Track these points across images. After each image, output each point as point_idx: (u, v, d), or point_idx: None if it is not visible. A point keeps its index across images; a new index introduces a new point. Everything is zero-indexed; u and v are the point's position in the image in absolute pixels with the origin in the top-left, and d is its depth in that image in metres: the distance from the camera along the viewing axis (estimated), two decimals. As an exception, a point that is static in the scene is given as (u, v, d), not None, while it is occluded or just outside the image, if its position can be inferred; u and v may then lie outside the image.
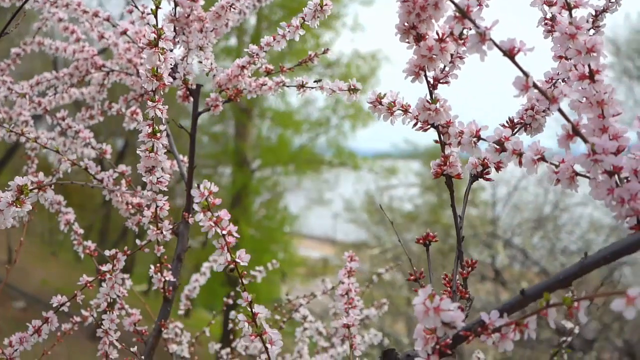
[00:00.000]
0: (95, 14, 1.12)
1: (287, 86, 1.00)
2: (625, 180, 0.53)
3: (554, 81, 0.70)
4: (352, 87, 0.85)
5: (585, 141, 0.52)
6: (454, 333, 0.56)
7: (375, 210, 9.75)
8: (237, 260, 0.65)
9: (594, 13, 0.75)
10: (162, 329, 1.01)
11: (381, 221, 8.89)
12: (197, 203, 0.62)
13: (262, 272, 1.44)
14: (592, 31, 0.74)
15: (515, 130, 0.70)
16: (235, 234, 0.64)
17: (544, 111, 0.69)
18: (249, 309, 0.66)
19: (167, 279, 0.99)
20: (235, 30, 8.91)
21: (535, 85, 0.52)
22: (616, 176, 0.54)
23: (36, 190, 0.67)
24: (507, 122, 0.70)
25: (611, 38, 8.69)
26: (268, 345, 0.66)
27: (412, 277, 0.67)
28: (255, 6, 1.15)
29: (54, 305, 0.93)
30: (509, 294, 6.16)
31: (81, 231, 1.12)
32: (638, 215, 0.52)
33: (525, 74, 0.52)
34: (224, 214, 0.64)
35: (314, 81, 0.93)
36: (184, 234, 1.03)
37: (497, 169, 0.68)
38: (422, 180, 10.27)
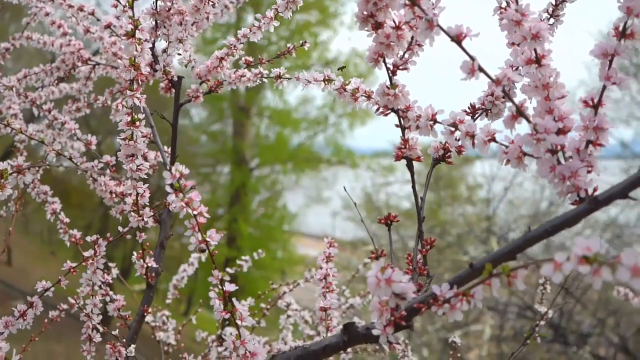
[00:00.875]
0: (80, 9, 1.15)
1: (266, 77, 1.03)
2: (569, 159, 0.56)
3: (514, 68, 0.73)
4: (326, 77, 0.88)
5: (529, 121, 0.55)
6: (408, 305, 0.59)
7: (373, 208, 9.77)
8: (208, 239, 0.68)
9: (554, 2, 0.78)
10: (145, 314, 1.04)
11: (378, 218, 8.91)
12: (169, 185, 0.65)
13: (247, 262, 1.47)
14: (552, 20, 0.77)
15: (477, 115, 0.73)
16: (206, 215, 0.67)
17: (503, 97, 0.72)
18: (220, 287, 0.69)
19: (149, 265, 1.02)
20: (233, 29, 8.94)
21: (480, 69, 0.55)
22: (561, 154, 0.57)
23: (15, 174, 0.70)
24: (468, 107, 0.73)
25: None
26: (238, 322, 0.69)
27: (373, 256, 0.70)
28: (239, 1, 1.18)
29: (39, 290, 0.96)
30: (505, 288, 6.19)
31: (67, 220, 1.15)
32: (578, 191, 0.55)
33: (472, 58, 0.55)
34: (195, 196, 0.67)
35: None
36: (166, 221, 1.06)
37: (459, 152, 0.71)
38: (420, 179, 10.29)
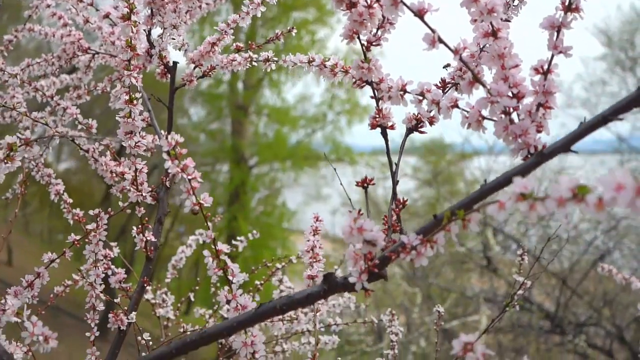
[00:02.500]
0: (80, 0, 1.21)
1: (255, 61, 1.10)
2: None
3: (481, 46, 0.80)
4: (310, 59, 0.94)
5: (484, 86, 0.62)
6: (380, 255, 0.65)
7: (371, 204, 9.82)
8: (202, 202, 0.74)
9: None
10: (145, 285, 1.10)
11: (377, 215, 8.98)
12: (165, 152, 0.72)
13: (243, 242, 1.54)
14: (516, 1, 0.84)
15: (447, 88, 0.80)
16: (200, 180, 0.74)
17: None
18: (213, 246, 0.76)
19: (148, 239, 1.09)
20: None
21: (440, 40, 0.61)
22: (516, 116, 0.64)
23: (24, 146, 0.77)
24: (439, 81, 0.80)
25: (603, 29, 8.76)
26: (230, 277, 0.76)
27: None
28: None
29: (45, 261, 1.03)
30: (502, 280, 6.27)
31: (70, 200, 1.21)
32: (528, 148, 0.61)
33: (433, 30, 0.61)
34: (190, 162, 0.74)
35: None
36: (163, 198, 1.13)
37: (430, 123, 0.78)
38: (419, 174, 10.38)
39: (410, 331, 6.46)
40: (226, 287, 0.76)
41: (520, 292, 1.17)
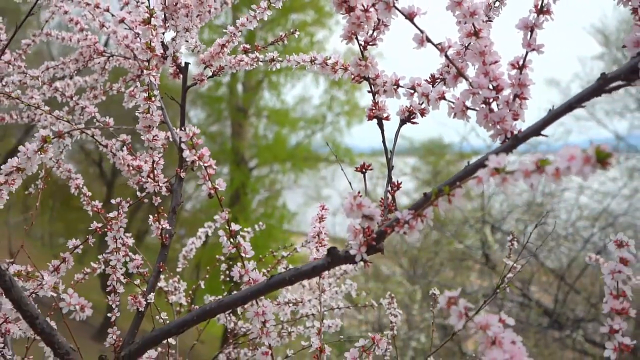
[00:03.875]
0: (97, 6, 1.30)
1: (261, 61, 1.19)
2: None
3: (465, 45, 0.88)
4: (313, 58, 1.03)
5: (467, 80, 0.71)
6: (377, 230, 0.74)
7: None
8: (217, 186, 0.83)
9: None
10: (161, 270, 1.19)
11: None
12: (183, 142, 0.81)
13: (249, 233, 1.63)
14: (497, 3, 0.93)
15: (436, 83, 0.88)
16: (215, 167, 0.83)
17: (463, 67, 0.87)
18: (227, 227, 0.84)
19: (164, 227, 1.17)
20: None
21: (428, 40, 0.70)
22: (495, 106, 0.73)
23: (57, 139, 0.86)
24: (429, 77, 0.89)
25: (600, 29, 8.85)
26: (243, 254, 0.84)
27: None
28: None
29: (70, 247, 1.11)
30: (496, 276, 6.35)
31: (89, 194, 1.30)
32: (505, 133, 0.70)
33: (421, 31, 0.70)
34: (205, 151, 0.82)
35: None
36: (177, 190, 1.21)
37: (422, 114, 0.86)
38: (419, 174, 10.46)
39: (410, 328, 6.53)
40: (239, 264, 0.85)
41: (510, 275, 1.25)
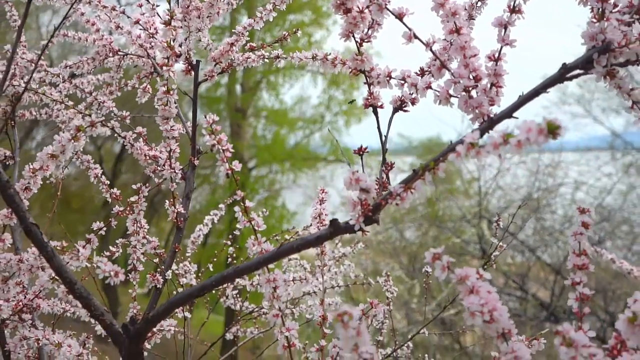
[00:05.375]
0: (113, 8, 1.41)
1: (267, 58, 1.30)
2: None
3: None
4: (314, 55, 1.14)
5: (449, 70, 0.82)
6: (373, 203, 0.85)
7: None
8: (233, 167, 0.94)
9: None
10: (176, 250, 1.30)
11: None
12: (204, 128, 0.91)
13: (264, 213, 1.73)
14: (479, 3, 1.04)
15: (425, 75, 0.99)
16: (231, 150, 0.94)
17: (448, 59, 0.98)
18: (242, 204, 0.95)
19: (179, 211, 1.28)
20: (228, 29, 9.21)
21: (415, 36, 0.81)
22: (474, 93, 0.83)
23: (90, 127, 0.96)
24: (419, 69, 0.99)
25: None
26: (256, 228, 0.95)
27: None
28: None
29: (95, 229, 1.22)
30: (495, 272, 6.47)
31: (107, 182, 1.41)
32: (483, 117, 0.81)
33: (409, 29, 0.81)
34: (223, 137, 0.93)
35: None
36: (190, 177, 1.32)
37: (412, 103, 0.97)
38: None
39: (409, 322, 6.65)
40: (252, 236, 0.96)
41: (496, 253, 1.36)
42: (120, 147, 9.73)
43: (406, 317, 6.99)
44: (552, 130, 0.58)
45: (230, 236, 1.97)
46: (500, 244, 1.41)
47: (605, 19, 0.74)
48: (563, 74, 0.75)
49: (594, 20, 0.75)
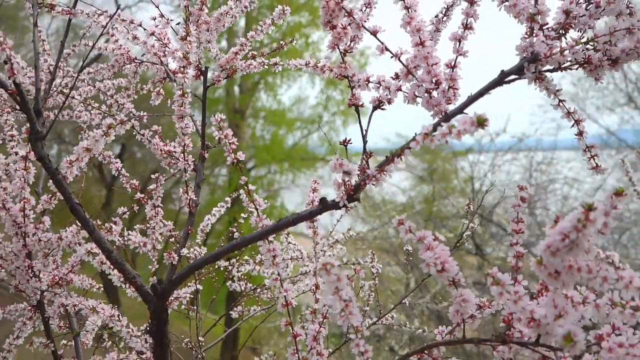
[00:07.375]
0: (131, 22, 1.60)
1: (267, 65, 1.49)
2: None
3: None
4: (307, 62, 1.34)
5: (414, 76, 1.01)
6: (355, 183, 1.04)
7: (370, 205, 10.16)
8: (238, 157, 1.13)
9: (446, 6, 1.24)
10: (189, 232, 1.49)
11: (372, 208, 9.38)
12: (213, 125, 1.11)
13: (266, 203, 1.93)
14: (444, 18, 1.23)
15: (398, 79, 1.19)
16: (236, 143, 1.13)
17: (416, 67, 1.18)
18: (246, 187, 1.15)
19: (191, 198, 1.48)
20: (226, 33, 9.41)
21: (386, 48, 1.01)
22: (435, 94, 1.03)
23: (119, 125, 1.16)
24: (394, 74, 1.19)
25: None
26: (258, 206, 1.15)
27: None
28: (244, 10, 1.64)
29: (120, 213, 1.42)
30: (488, 266, 6.67)
31: (127, 175, 1.60)
32: (442, 113, 1.01)
33: (382, 43, 1.01)
34: (229, 132, 1.13)
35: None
36: (200, 168, 1.52)
37: (389, 102, 1.17)
38: (415, 171, 10.77)
39: (407, 317, 6.85)
40: (255, 214, 1.16)
41: (467, 233, 1.56)
42: (120, 150, 9.95)
43: (403, 311, 7.19)
44: (480, 122, 0.77)
45: (232, 227, 2.17)
46: (472, 225, 1.60)
47: (534, 35, 0.93)
48: (502, 78, 0.95)
49: (525, 36, 0.95)
